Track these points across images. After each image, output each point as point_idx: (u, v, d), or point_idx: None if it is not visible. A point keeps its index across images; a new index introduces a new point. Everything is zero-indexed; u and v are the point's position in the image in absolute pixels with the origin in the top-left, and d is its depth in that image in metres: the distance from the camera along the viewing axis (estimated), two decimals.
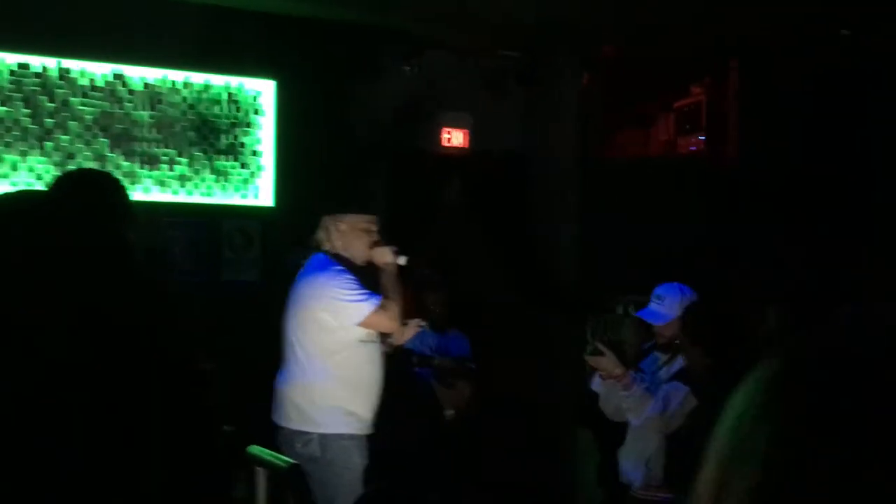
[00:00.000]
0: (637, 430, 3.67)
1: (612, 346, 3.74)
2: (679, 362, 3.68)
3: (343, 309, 3.68)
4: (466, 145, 7.79)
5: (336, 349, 3.73)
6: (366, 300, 3.69)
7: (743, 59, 8.37)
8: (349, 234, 3.82)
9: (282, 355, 3.86)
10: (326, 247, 3.83)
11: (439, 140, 7.74)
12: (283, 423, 3.83)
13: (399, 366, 6.14)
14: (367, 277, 3.84)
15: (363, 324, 3.70)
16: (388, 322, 3.76)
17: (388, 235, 6.85)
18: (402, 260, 3.84)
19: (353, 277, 3.73)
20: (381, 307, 3.70)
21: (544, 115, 8.04)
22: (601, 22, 7.15)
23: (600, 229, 7.85)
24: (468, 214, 7.61)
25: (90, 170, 2.40)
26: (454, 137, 7.80)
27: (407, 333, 3.98)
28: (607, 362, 3.61)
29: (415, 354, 6.17)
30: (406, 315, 3.88)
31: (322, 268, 3.77)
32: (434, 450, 5.92)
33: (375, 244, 3.84)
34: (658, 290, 3.95)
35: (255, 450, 3.53)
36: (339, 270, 3.74)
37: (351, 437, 3.78)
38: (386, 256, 3.82)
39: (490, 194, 7.69)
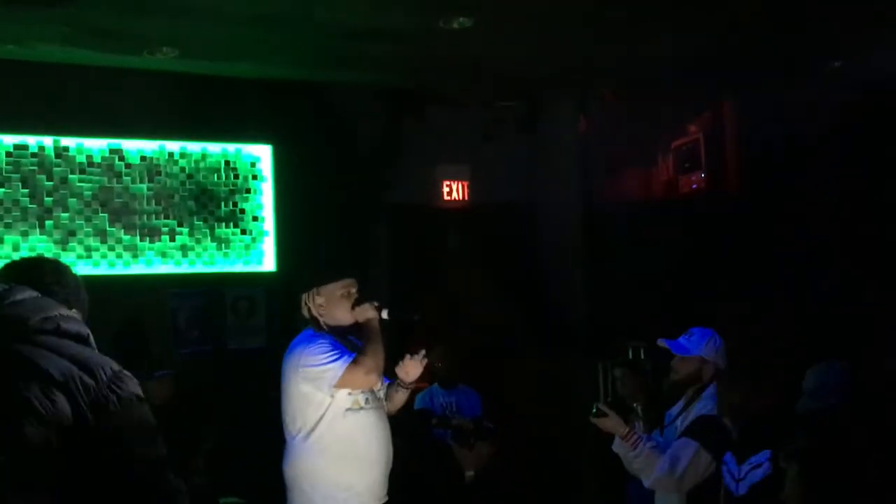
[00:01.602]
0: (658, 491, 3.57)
1: (617, 405, 3.66)
2: (694, 413, 3.59)
3: (317, 375, 3.62)
4: (467, 198, 7.78)
5: (321, 422, 3.65)
6: (336, 360, 3.62)
7: (739, 96, 8.38)
8: (328, 304, 3.79)
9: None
10: (310, 322, 3.81)
11: (440, 193, 7.74)
12: None
13: (419, 427, 6.08)
14: (357, 338, 3.80)
15: (339, 384, 3.62)
16: (363, 377, 3.65)
17: (389, 291, 6.84)
18: (384, 313, 3.79)
19: (326, 342, 3.68)
20: (354, 363, 3.61)
21: (544, 162, 8.05)
22: (596, 69, 7.17)
23: (608, 272, 7.80)
24: (472, 266, 7.57)
25: (25, 259, 2.33)
26: (455, 190, 7.79)
27: (412, 372, 3.87)
28: (611, 423, 3.53)
29: (434, 416, 6.09)
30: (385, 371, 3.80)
31: (301, 341, 3.75)
32: None
33: (356, 303, 3.79)
34: (693, 329, 3.91)
35: None
36: (312, 337, 3.71)
37: None
38: (367, 313, 3.77)
39: (493, 245, 7.66)
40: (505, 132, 7.80)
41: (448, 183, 7.73)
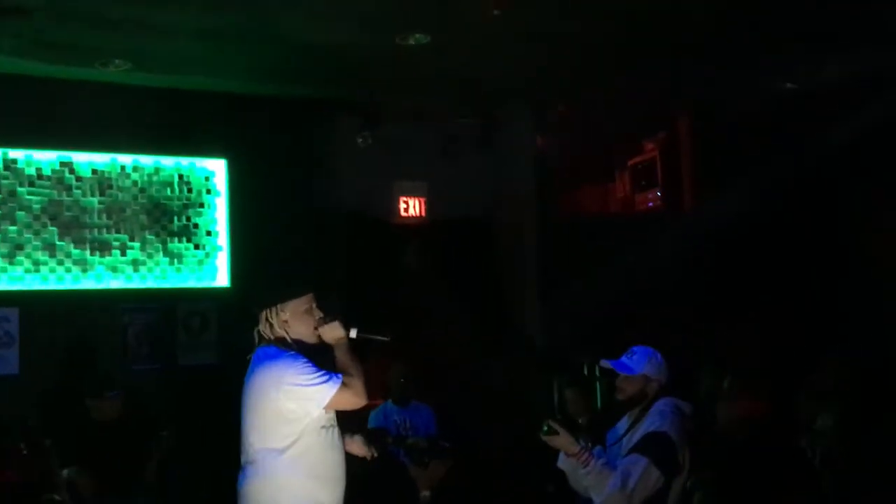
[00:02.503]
0: None
1: (567, 423, 3.67)
2: (642, 430, 3.61)
3: (305, 395, 3.54)
4: (424, 213, 7.76)
5: (298, 439, 3.58)
6: (327, 381, 3.55)
7: (694, 114, 8.46)
8: (293, 320, 3.70)
9: (240, 454, 3.70)
10: (274, 337, 3.71)
11: (397, 209, 7.71)
12: None
13: (375, 444, 6.02)
14: (320, 356, 3.73)
15: (329, 405, 3.57)
16: (354, 398, 3.61)
17: (348, 307, 6.79)
18: (352, 332, 3.73)
19: (308, 361, 3.62)
20: (345, 385, 3.56)
21: (502, 178, 8.06)
22: (553, 85, 7.20)
23: (564, 288, 7.81)
24: (429, 282, 7.55)
25: None
26: (412, 206, 7.77)
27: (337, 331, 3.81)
28: (562, 441, 3.54)
29: (389, 435, 6.04)
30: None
31: (274, 357, 3.64)
32: None
33: (321, 321, 3.73)
34: (634, 347, 3.93)
35: None
36: (294, 356, 3.61)
37: None
38: (336, 332, 3.70)
39: (450, 261, 7.64)
40: (462, 148, 7.79)
41: (405, 199, 7.71)
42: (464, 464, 6.12)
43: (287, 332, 3.67)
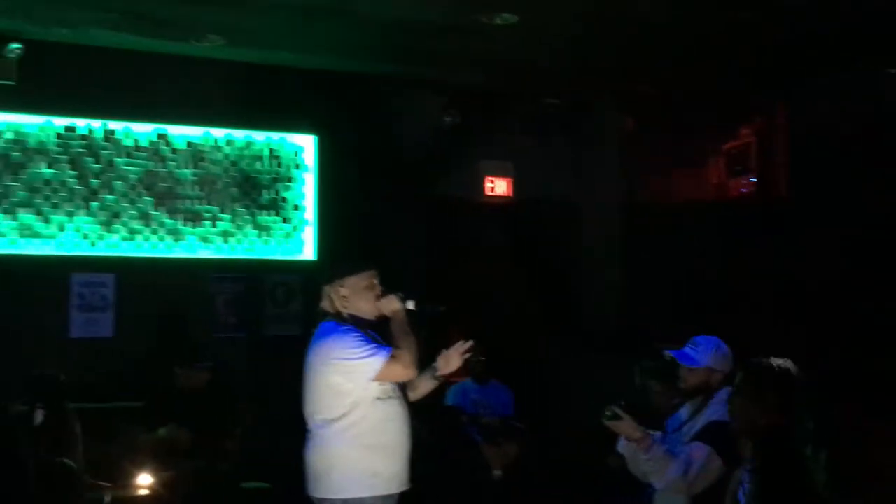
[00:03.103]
0: (662, 493, 3.54)
1: (631, 409, 3.64)
2: (704, 419, 3.56)
3: (353, 367, 3.64)
4: (510, 193, 7.75)
5: (350, 410, 3.67)
6: (374, 354, 3.64)
7: (791, 99, 8.22)
8: (352, 295, 3.79)
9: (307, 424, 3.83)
10: (333, 313, 3.81)
11: (483, 189, 7.72)
12: (312, 493, 3.79)
13: (449, 423, 6.09)
14: (384, 331, 3.81)
15: (377, 377, 3.65)
16: (403, 370, 3.69)
17: (431, 284, 6.86)
18: (409, 304, 3.80)
19: (359, 335, 3.70)
20: (393, 357, 3.65)
21: (588, 160, 8.00)
22: (643, 66, 7.09)
23: (648, 273, 7.73)
24: (511, 262, 7.55)
25: None
26: (497, 186, 7.77)
27: (453, 363, 3.88)
28: (625, 427, 3.51)
29: (465, 413, 6.11)
30: (420, 361, 3.81)
31: (328, 332, 3.74)
32: None
33: (381, 296, 3.80)
34: (697, 338, 3.87)
35: None
36: (345, 331, 3.71)
37: (374, 500, 3.69)
38: (393, 305, 3.78)
39: (533, 242, 7.63)
40: (549, 129, 7.75)
41: (491, 178, 7.71)
42: (536, 445, 6.13)
43: (345, 308, 3.76)
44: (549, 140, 7.74)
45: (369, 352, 3.62)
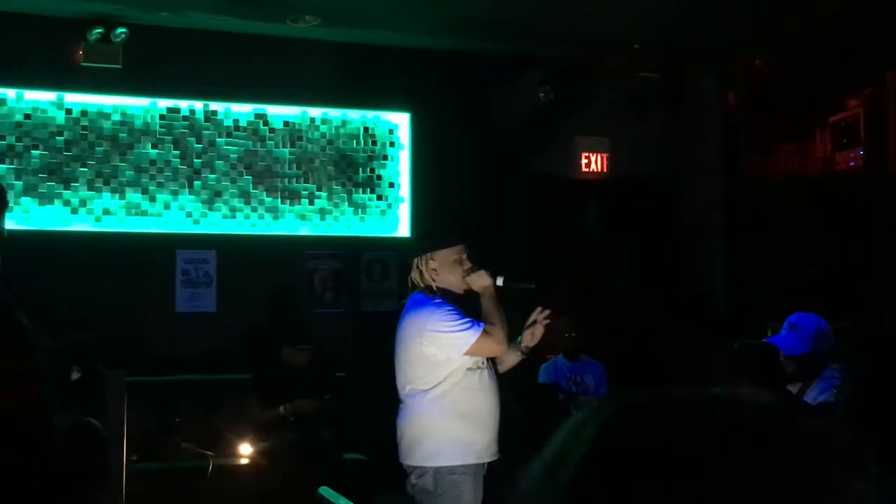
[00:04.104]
0: None
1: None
2: (811, 398, 3.44)
3: (447, 340, 3.70)
4: (606, 170, 7.66)
5: (445, 380, 3.74)
6: (469, 328, 3.70)
7: None
8: (442, 269, 3.85)
9: (399, 394, 3.89)
10: (423, 286, 3.85)
11: (579, 165, 7.65)
12: (404, 460, 3.86)
13: (545, 400, 6.08)
14: (468, 305, 3.85)
15: (469, 351, 3.71)
16: (495, 346, 3.75)
17: (526, 261, 6.85)
18: (499, 281, 3.83)
19: (452, 308, 3.75)
20: (486, 332, 3.71)
21: (688, 136, 7.83)
22: (743, 39, 6.90)
23: (752, 249, 7.55)
24: (609, 239, 7.47)
25: None
26: (593, 162, 7.69)
27: (537, 333, 3.90)
28: None
29: (561, 391, 6.09)
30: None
31: (421, 304, 3.80)
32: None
33: (469, 271, 3.84)
34: (793, 319, 3.72)
35: (325, 492, 3.56)
36: (438, 304, 3.76)
37: (464, 469, 3.75)
38: (482, 280, 3.83)
39: (632, 218, 7.53)
40: (647, 104, 7.62)
41: (587, 155, 7.63)
42: None
43: (434, 280, 3.81)
44: (647, 116, 7.61)
45: (464, 325, 3.69)
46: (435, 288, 3.83)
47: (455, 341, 3.68)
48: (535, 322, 3.86)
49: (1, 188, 2.04)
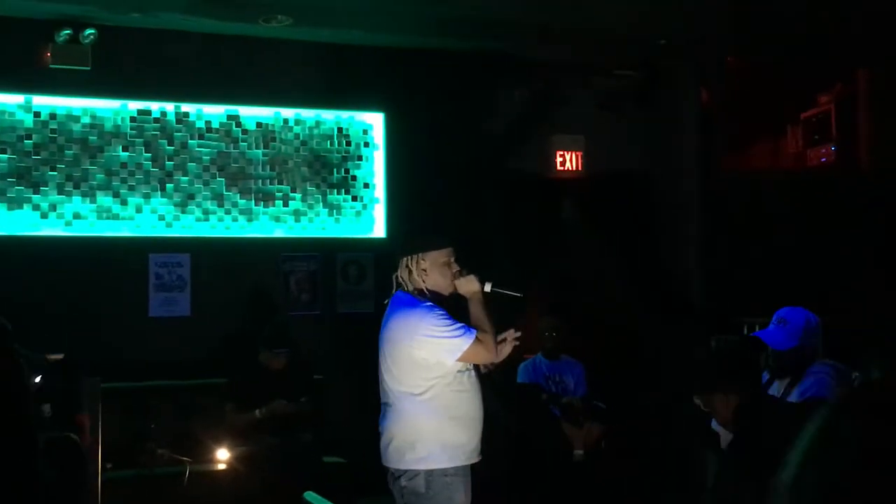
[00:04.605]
0: None
1: None
2: (797, 395, 3.42)
3: (439, 345, 3.64)
4: (581, 168, 7.65)
5: (434, 383, 3.68)
6: (462, 335, 3.65)
7: (873, 66, 7.94)
8: (431, 270, 3.79)
9: (382, 397, 3.83)
10: (410, 286, 3.80)
11: (554, 163, 7.63)
12: (390, 464, 3.80)
13: (529, 401, 6.05)
14: (454, 307, 3.80)
15: (462, 357, 3.66)
16: (486, 353, 3.71)
17: (504, 261, 6.83)
18: (487, 287, 3.78)
19: (443, 312, 3.70)
20: (478, 340, 3.67)
21: (663, 133, 7.84)
22: (717, 36, 6.92)
23: (729, 246, 7.57)
24: (585, 237, 7.46)
25: None
26: (568, 160, 7.67)
27: (505, 350, 3.87)
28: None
29: (544, 391, 6.06)
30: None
31: (411, 305, 3.73)
32: (562, 490, 5.78)
33: (458, 274, 3.79)
34: (782, 313, 3.70)
35: (310, 497, 3.51)
36: (430, 306, 3.71)
37: (455, 471, 3.71)
38: (472, 285, 3.77)
39: (608, 216, 7.52)
40: (622, 102, 7.61)
41: (562, 153, 7.61)
42: (618, 426, 6.05)
43: (424, 281, 3.76)
44: (622, 113, 7.60)
45: (457, 331, 3.63)
46: (425, 289, 3.78)
47: (447, 346, 3.63)
48: (504, 339, 3.82)
49: None
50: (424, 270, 3.76)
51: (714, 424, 3.55)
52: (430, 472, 3.67)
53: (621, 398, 6.33)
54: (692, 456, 5.94)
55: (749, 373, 3.48)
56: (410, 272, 3.78)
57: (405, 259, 3.79)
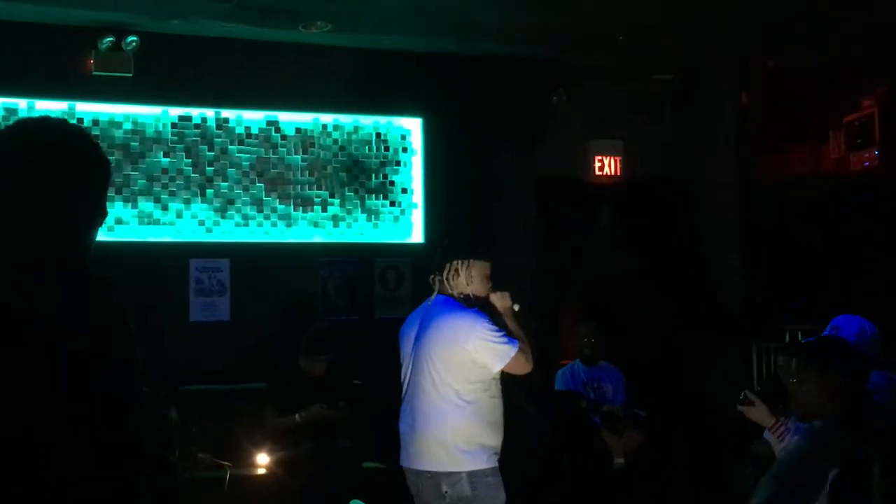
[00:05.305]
0: None
1: (767, 393, 3.49)
2: None
3: (492, 351, 3.74)
4: (619, 172, 7.61)
5: (477, 387, 3.77)
6: (509, 343, 3.77)
7: None
8: (476, 278, 3.88)
9: (410, 397, 3.86)
10: (455, 289, 3.84)
11: (592, 168, 7.60)
12: (427, 467, 3.81)
13: (568, 408, 6.03)
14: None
15: (506, 366, 3.75)
16: (526, 364, 3.83)
17: (537, 266, 6.82)
18: (516, 306, 3.91)
19: (491, 320, 3.79)
20: (521, 350, 3.78)
21: (702, 138, 7.78)
22: (755, 39, 6.85)
23: (769, 251, 7.49)
24: (623, 242, 7.41)
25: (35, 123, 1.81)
26: (607, 165, 7.63)
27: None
28: (757, 413, 3.38)
29: (584, 399, 6.04)
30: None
31: (459, 308, 3.81)
32: (603, 499, 5.75)
33: (492, 289, 3.90)
34: (836, 321, 3.66)
35: None
36: (479, 312, 3.83)
37: (493, 471, 3.81)
38: (507, 301, 3.93)
39: (646, 221, 7.47)
40: (660, 106, 7.57)
41: (600, 158, 7.58)
42: (658, 434, 6.00)
43: (468, 286, 3.81)
44: (660, 118, 7.56)
45: (506, 339, 3.75)
46: (471, 294, 3.84)
47: (499, 352, 3.74)
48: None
49: (104, 159, 1.88)
50: (472, 277, 3.84)
51: (766, 434, 3.50)
52: (472, 474, 3.74)
53: (660, 406, 6.29)
54: (729, 466, 5.88)
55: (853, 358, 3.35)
56: (458, 275, 3.81)
57: (456, 262, 3.83)
